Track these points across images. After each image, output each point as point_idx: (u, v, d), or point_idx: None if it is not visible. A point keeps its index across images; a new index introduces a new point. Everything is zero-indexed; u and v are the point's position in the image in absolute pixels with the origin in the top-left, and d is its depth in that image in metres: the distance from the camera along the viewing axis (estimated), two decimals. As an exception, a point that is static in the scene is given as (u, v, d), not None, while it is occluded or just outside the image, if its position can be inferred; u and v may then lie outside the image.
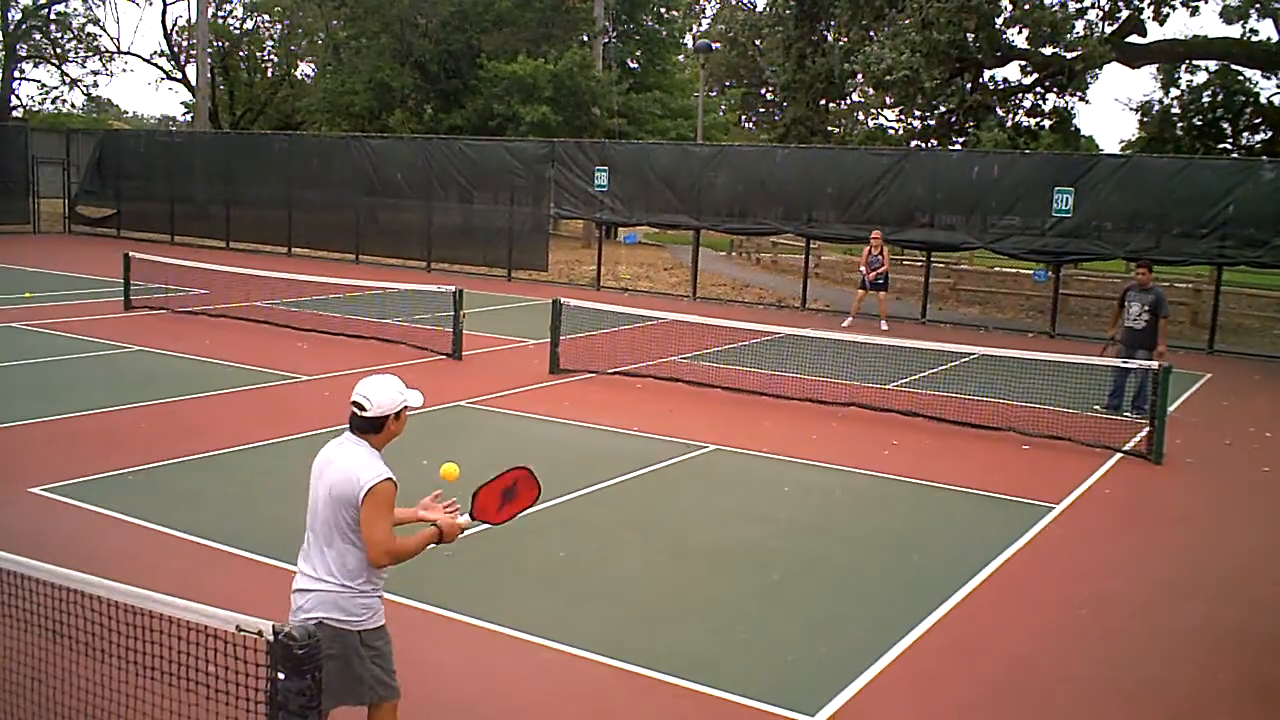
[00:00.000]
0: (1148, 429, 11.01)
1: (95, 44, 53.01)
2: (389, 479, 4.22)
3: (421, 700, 5.55)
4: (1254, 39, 28.95)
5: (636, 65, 44.90)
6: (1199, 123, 30.60)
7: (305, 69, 54.75)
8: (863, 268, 19.89)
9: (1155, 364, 11.20)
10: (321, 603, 4.19)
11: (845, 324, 19.38)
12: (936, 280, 23.78)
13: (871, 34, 28.10)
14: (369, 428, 4.34)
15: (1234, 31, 29.89)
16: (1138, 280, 13.19)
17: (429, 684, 5.71)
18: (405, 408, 4.43)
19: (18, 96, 52.01)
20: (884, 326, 19.15)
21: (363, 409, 4.34)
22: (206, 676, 3.96)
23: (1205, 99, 30.36)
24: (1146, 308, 12.74)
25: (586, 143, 26.38)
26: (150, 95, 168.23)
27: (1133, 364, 12.13)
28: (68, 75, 53.42)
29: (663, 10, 46.12)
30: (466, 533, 4.50)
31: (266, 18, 53.33)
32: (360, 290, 19.62)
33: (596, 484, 9.27)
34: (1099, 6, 28.12)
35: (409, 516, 4.54)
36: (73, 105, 58.49)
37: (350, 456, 4.27)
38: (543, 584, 7.11)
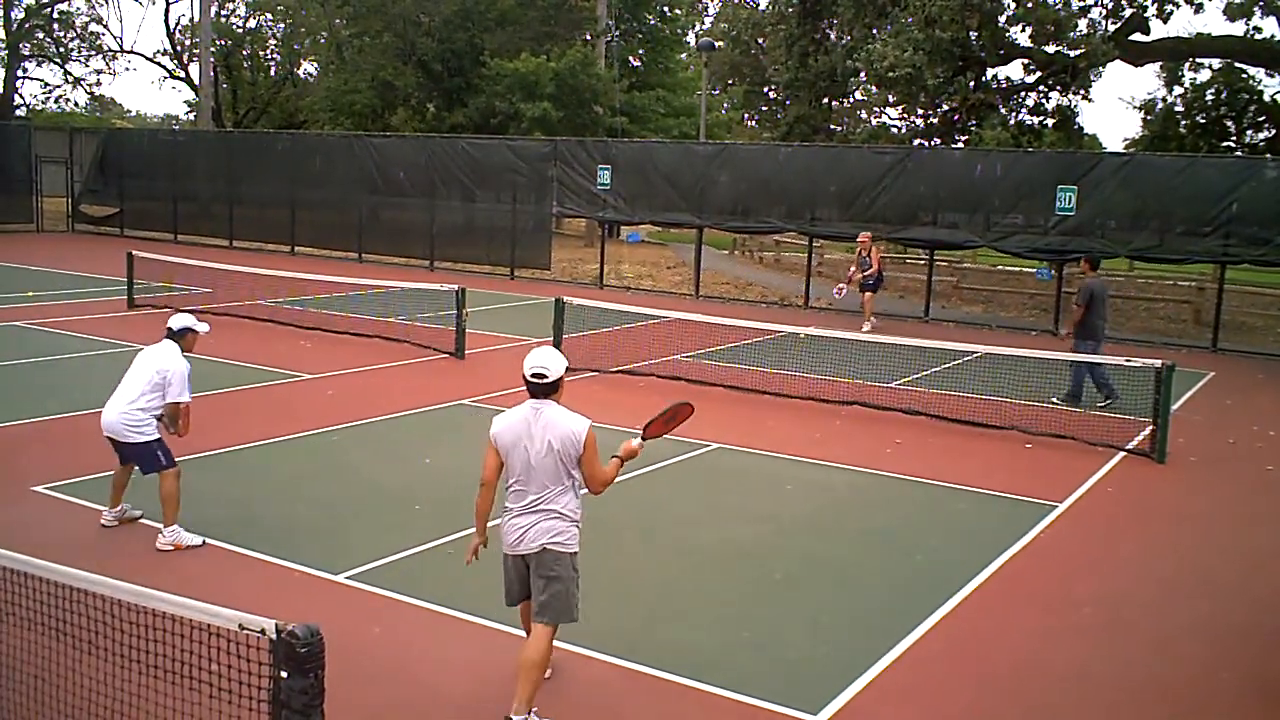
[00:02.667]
0: (1151, 427, 10.98)
1: (98, 43, 53.15)
2: (592, 425, 5.21)
3: (424, 697, 5.56)
4: (1258, 36, 28.89)
5: (639, 63, 44.90)
6: (1202, 121, 30.57)
7: (308, 68, 54.90)
8: (853, 269, 19.36)
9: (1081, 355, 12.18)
10: (546, 532, 5.17)
11: (866, 329, 18.03)
12: (939, 279, 23.78)
13: (874, 32, 28.05)
14: (552, 390, 5.22)
15: (1238, 29, 29.95)
16: (1082, 271, 13.93)
17: (432, 681, 5.72)
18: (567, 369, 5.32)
19: (21, 95, 52.12)
20: (866, 327, 18.18)
21: (544, 377, 5.19)
22: (209, 675, 3.96)
23: (1209, 97, 30.33)
24: (1075, 300, 13.54)
25: (589, 141, 26.37)
26: (153, 94, 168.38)
27: (1092, 358, 12.74)
28: (71, 74, 53.53)
29: (665, 8, 46.10)
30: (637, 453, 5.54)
31: (269, 17, 53.41)
32: (363, 289, 19.63)
33: (599, 482, 9.25)
34: (1102, 4, 28.08)
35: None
36: (76, 104, 58.59)
37: (560, 415, 5.19)
38: (545, 582, 7.10)
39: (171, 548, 7.37)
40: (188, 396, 7.51)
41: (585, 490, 5.33)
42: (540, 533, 5.16)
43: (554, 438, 5.14)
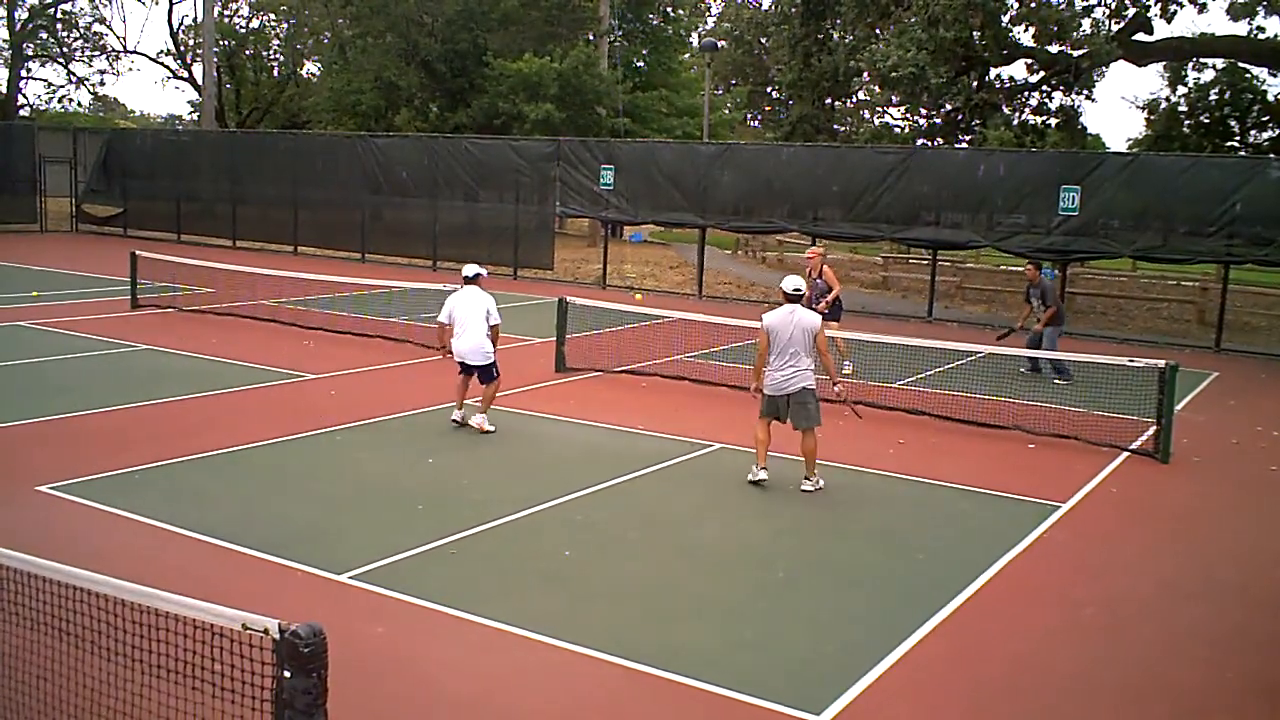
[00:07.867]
0: (1154, 428, 10.96)
1: (101, 43, 53.20)
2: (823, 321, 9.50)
3: (426, 697, 5.56)
4: (1261, 36, 28.86)
5: (642, 64, 44.89)
6: (1206, 120, 30.55)
7: (311, 68, 54.87)
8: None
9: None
10: (806, 378, 9.07)
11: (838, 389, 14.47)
12: (943, 279, 23.76)
13: (877, 31, 28.06)
14: (799, 299, 9.16)
15: (1241, 29, 29.84)
16: (1028, 277, 15.34)
17: (434, 681, 5.72)
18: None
19: (25, 96, 52.23)
20: (847, 369, 14.14)
21: (799, 290, 9.14)
22: (212, 675, 3.97)
23: (1212, 96, 30.30)
24: (1039, 300, 14.97)
25: (592, 141, 26.35)
26: (156, 94, 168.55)
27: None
28: (74, 74, 53.60)
29: (669, 9, 46.09)
30: None
31: (272, 17, 53.41)
32: (366, 289, 19.64)
33: (602, 482, 9.27)
34: (1106, 4, 28.06)
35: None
36: (79, 104, 58.70)
37: (805, 312, 9.19)
38: (548, 583, 7.11)
39: (478, 429, 10.69)
40: (499, 319, 10.91)
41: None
42: (801, 378, 9.06)
43: (803, 324, 9.07)
